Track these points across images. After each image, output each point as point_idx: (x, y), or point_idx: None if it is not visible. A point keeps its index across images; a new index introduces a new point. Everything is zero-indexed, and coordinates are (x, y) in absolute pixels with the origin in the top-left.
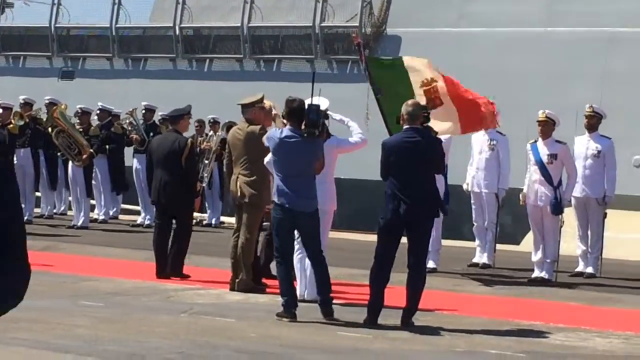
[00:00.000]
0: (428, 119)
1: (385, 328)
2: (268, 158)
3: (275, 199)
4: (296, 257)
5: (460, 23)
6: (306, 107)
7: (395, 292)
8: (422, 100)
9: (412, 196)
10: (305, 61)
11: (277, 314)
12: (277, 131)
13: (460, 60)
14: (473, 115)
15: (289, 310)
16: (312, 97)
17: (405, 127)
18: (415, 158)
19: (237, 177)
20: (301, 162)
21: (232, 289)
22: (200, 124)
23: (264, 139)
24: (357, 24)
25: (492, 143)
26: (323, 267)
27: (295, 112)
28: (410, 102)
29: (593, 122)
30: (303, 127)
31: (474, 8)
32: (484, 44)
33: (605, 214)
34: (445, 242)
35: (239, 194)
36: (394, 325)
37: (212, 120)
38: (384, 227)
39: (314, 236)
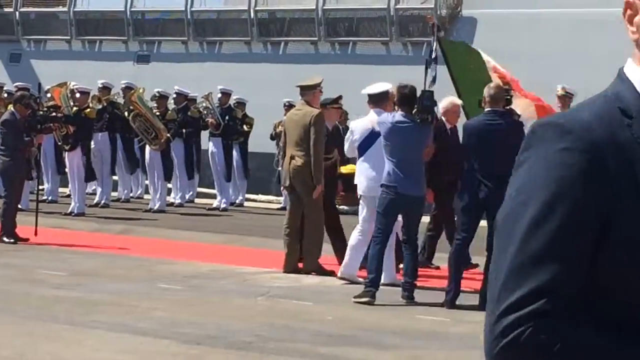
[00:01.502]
0: (510, 102)
1: (464, 311)
2: (347, 146)
3: (386, 181)
4: (356, 236)
5: (537, 4)
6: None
7: (475, 274)
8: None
9: (493, 179)
10: (380, 43)
11: (354, 297)
12: (390, 116)
13: (536, 41)
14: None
15: (371, 289)
16: (425, 83)
17: (487, 109)
18: (496, 141)
19: (290, 160)
20: (412, 148)
21: (285, 271)
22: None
23: (376, 123)
24: (433, 6)
25: None
26: (415, 252)
27: (407, 97)
28: (492, 84)
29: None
30: (415, 112)
31: None
32: (560, 25)
33: None
34: None
35: (289, 174)
36: (472, 308)
37: (287, 104)
38: (464, 209)
39: (417, 220)
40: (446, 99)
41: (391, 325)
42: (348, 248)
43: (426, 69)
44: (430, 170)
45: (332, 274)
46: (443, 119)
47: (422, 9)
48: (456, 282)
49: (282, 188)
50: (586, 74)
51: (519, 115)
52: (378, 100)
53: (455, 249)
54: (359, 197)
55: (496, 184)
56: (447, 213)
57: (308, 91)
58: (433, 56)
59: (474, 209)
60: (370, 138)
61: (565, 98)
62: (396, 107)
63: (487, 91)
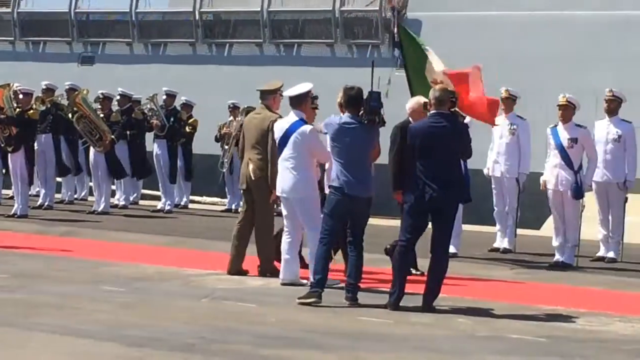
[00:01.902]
0: (455, 104)
1: (407, 313)
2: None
3: (334, 183)
4: (285, 239)
5: (481, 6)
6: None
7: (417, 277)
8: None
9: (437, 181)
10: (325, 45)
11: (299, 298)
12: (337, 117)
13: (480, 44)
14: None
15: (317, 290)
16: (372, 84)
17: (432, 111)
18: (441, 143)
19: (248, 162)
20: (360, 149)
21: (229, 272)
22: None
23: (321, 126)
24: (377, 8)
25: (512, 127)
26: (360, 253)
27: (354, 99)
28: (438, 87)
29: (613, 106)
30: (362, 113)
31: None
32: (504, 28)
33: (626, 198)
34: (466, 227)
35: (247, 177)
36: (415, 310)
37: (231, 106)
38: (409, 212)
39: (364, 222)
40: (412, 99)
41: (334, 327)
42: (282, 253)
43: (372, 69)
44: (399, 170)
45: None
46: (410, 119)
47: (367, 11)
48: (400, 284)
49: (240, 190)
50: (531, 77)
51: (464, 117)
52: (297, 102)
53: (399, 251)
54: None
55: (441, 186)
56: None
57: (268, 95)
58: (396, 39)
59: (419, 211)
60: (284, 138)
61: (509, 100)
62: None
63: (432, 93)
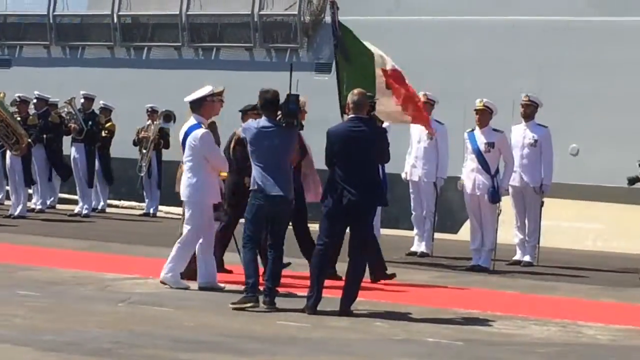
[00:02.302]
0: (374, 108)
1: (325, 317)
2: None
3: (254, 187)
4: (198, 244)
5: (398, 11)
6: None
7: (336, 280)
8: (382, 83)
9: (355, 185)
10: (243, 49)
11: (233, 304)
12: (254, 122)
13: (398, 48)
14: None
15: (252, 293)
16: (290, 87)
17: (350, 115)
18: (359, 147)
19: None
20: (279, 152)
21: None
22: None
23: (240, 130)
24: (296, 12)
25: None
26: (279, 257)
27: (270, 102)
28: (356, 91)
29: (529, 110)
30: (280, 116)
31: None
32: (421, 33)
33: (543, 202)
34: (384, 231)
35: (178, 189)
36: (333, 313)
37: (150, 109)
38: (327, 215)
39: (284, 225)
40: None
41: (252, 331)
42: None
43: (291, 72)
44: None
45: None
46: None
47: (285, 15)
48: (318, 288)
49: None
50: (449, 81)
51: (382, 122)
52: (196, 106)
53: (317, 254)
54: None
55: (360, 190)
56: None
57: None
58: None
59: (338, 215)
60: (182, 142)
61: (427, 105)
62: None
63: (350, 98)
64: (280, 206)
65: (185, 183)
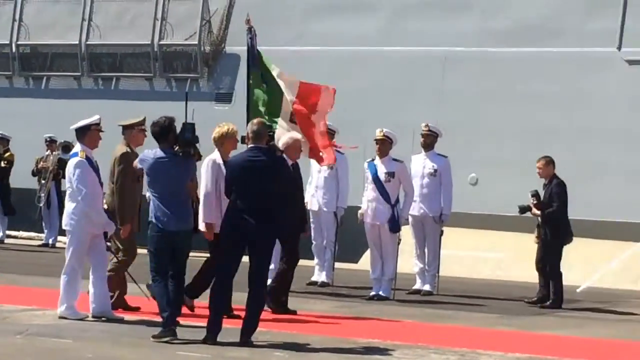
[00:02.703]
0: (273, 138)
1: (225, 347)
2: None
3: (152, 218)
4: (92, 273)
5: (300, 41)
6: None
7: (235, 310)
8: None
9: (254, 215)
10: (143, 79)
11: (154, 336)
12: (151, 152)
13: (300, 78)
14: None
15: (169, 326)
16: (186, 116)
17: (250, 145)
18: (258, 177)
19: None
20: (176, 182)
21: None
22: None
23: (136, 162)
24: (196, 42)
25: None
26: (181, 288)
27: (164, 131)
28: (255, 120)
29: (429, 140)
30: (176, 147)
31: (313, 27)
32: (322, 63)
33: (442, 231)
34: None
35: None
36: (233, 344)
37: (48, 139)
38: (225, 245)
39: (185, 255)
40: (286, 135)
41: None
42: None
43: (186, 101)
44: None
45: (138, 309)
46: (285, 156)
47: (185, 45)
48: (218, 318)
49: None
50: (349, 111)
51: (282, 152)
52: (80, 135)
53: (215, 284)
54: None
55: (258, 219)
56: (292, 249)
57: (127, 130)
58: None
59: (234, 244)
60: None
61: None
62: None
63: (250, 127)
64: (179, 239)
65: (65, 211)
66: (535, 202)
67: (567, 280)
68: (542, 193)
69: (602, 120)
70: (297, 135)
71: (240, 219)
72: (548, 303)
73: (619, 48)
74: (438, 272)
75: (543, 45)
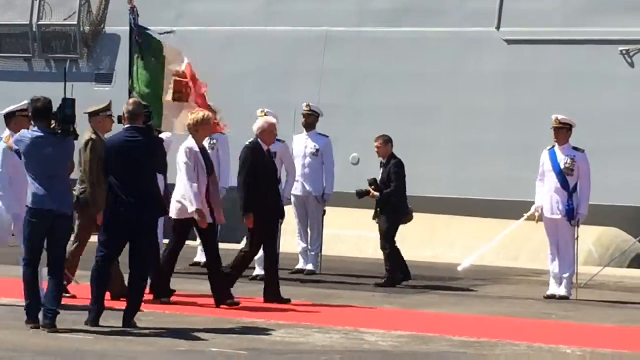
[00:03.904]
0: (149, 118)
1: (108, 329)
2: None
3: (28, 202)
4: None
5: (179, 22)
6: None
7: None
8: (170, 90)
9: (134, 196)
10: (22, 60)
11: (26, 321)
12: (28, 132)
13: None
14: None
15: (32, 314)
16: (64, 92)
17: (126, 125)
18: (136, 157)
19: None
20: (54, 163)
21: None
22: None
23: (11, 141)
24: (76, 22)
25: (211, 142)
26: (60, 277)
27: (42, 110)
28: (130, 100)
29: (310, 120)
30: (54, 124)
31: (193, 6)
32: (203, 43)
33: (324, 211)
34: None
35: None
36: (116, 326)
37: None
38: (107, 227)
39: (65, 239)
40: (261, 119)
41: (34, 344)
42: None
43: (65, 78)
44: (249, 192)
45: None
46: (259, 139)
47: (64, 25)
48: (99, 300)
49: None
50: (231, 92)
51: (159, 132)
52: (8, 120)
53: (96, 266)
54: None
55: (138, 201)
56: (270, 236)
57: (93, 117)
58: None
59: (116, 225)
60: None
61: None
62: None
63: (125, 107)
64: (58, 222)
65: None
66: (373, 187)
67: (449, 257)
68: (380, 172)
69: (481, 99)
70: (272, 119)
71: (121, 201)
72: (382, 281)
73: (498, 28)
74: (320, 252)
75: (423, 25)
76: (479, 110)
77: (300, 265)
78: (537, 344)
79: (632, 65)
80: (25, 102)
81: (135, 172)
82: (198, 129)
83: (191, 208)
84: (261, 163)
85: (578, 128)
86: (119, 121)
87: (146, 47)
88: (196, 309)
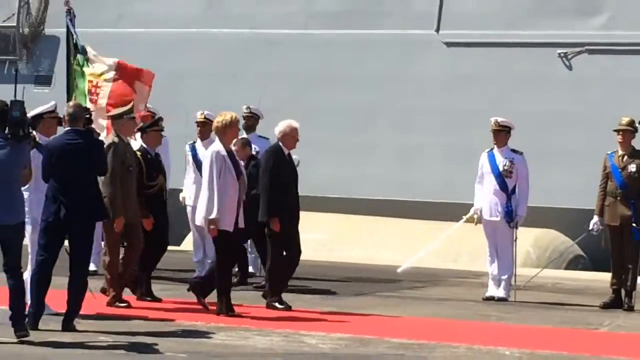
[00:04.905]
0: (91, 121)
1: (48, 332)
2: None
3: None
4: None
5: (120, 23)
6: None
7: (57, 295)
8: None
9: (74, 199)
10: None
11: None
12: None
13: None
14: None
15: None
16: (15, 94)
17: (67, 128)
18: (76, 160)
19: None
20: (6, 169)
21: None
22: None
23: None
24: (15, 24)
25: None
26: (20, 283)
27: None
28: (71, 103)
29: (251, 122)
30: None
31: (135, 8)
32: (144, 45)
33: None
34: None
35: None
36: (55, 329)
37: None
38: (45, 230)
39: (17, 249)
40: (283, 122)
41: None
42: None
43: (16, 78)
44: (274, 196)
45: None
46: (280, 143)
47: (3, 27)
48: (38, 302)
49: None
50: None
51: (99, 134)
52: (36, 123)
53: (36, 269)
54: None
55: (76, 203)
56: (293, 237)
57: (114, 120)
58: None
59: (54, 228)
60: None
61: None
62: None
63: (66, 110)
64: (7, 233)
65: None
66: None
67: (388, 260)
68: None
69: (422, 101)
70: (295, 123)
71: (60, 203)
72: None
73: (437, 30)
74: (260, 254)
75: (366, 28)
76: (420, 112)
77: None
78: (476, 345)
79: (570, 68)
80: (53, 102)
81: (75, 175)
82: (226, 132)
83: (200, 216)
84: (283, 167)
85: (517, 131)
86: (60, 124)
87: (80, 49)
88: (135, 312)
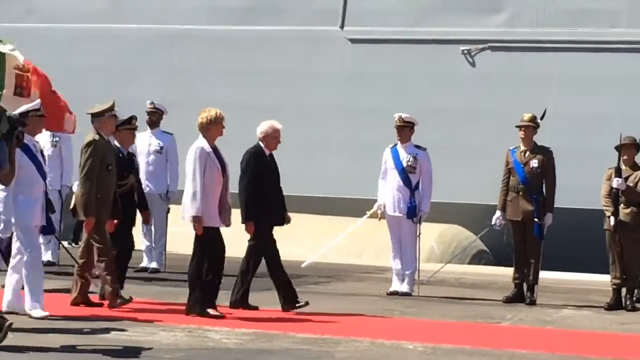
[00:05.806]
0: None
1: None
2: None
3: None
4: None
5: (27, 18)
6: None
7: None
8: (12, 84)
9: None
10: None
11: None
12: None
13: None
14: (58, 116)
15: None
16: None
17: None
18: None
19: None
20: None
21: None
22: None
23: None
24: None
25: (54, 140)
26: None
27: None
28: None
29: (155, 118)
30: None
31: (43, 3)
32: (51, 40)
33: (169, 208)
34: None
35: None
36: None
37: None
38: None
39: None
40: (265, 123)
41: None
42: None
43: None
44: (252, 199)
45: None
46: (261, 144)
47: None
48: None
49: None
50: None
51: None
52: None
53: None
54: None
55: None
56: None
57: (97, 117)
58: None
59: None
60: None
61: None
62: None
63: None
64: None
65: None
66: None
67: (293, 255)
68: None
69: (326, 97)
70: (278, 124)
71: None
72: None
73: (342, 27)
74: (165, 250)
75: (271, 24)
76: (324, 108)
77: (145, 263)
78: (380, 340)
79: (473, 65)
80: (38, 101)
81: None
82: (210, 128)
83: (187, 214)
84: (263, 169)
85: (420, 126)
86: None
87: None
88: (49, 308)
